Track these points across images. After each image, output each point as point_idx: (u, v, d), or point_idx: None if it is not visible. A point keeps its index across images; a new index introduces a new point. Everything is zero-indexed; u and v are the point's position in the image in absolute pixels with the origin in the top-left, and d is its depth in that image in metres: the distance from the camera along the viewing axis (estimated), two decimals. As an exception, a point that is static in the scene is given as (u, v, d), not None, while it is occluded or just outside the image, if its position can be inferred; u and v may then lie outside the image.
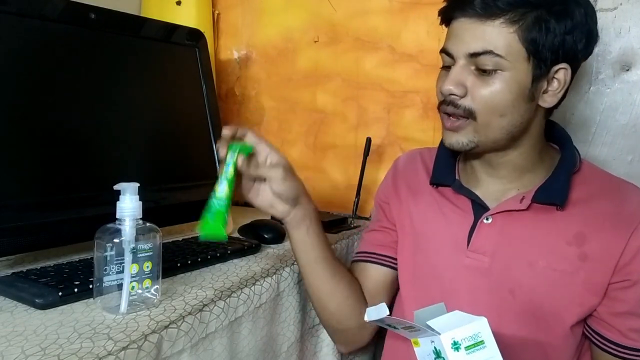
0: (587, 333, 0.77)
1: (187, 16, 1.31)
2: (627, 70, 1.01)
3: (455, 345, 0.56)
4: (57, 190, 0.81)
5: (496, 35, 0.68)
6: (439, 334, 0.57)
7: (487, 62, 0.69)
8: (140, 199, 0.65)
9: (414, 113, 1.23)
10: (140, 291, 0.65)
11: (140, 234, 0.65)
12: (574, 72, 0.74)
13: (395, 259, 0.89)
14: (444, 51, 0.74)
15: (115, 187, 0.65)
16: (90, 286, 0.67)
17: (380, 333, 0.93)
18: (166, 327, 0.62)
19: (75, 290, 0.68)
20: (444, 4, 0.75)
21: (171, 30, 1.05)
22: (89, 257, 0.79)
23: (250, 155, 0.74)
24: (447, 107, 0.72)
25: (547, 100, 0.74)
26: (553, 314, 0.73)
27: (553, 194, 0.75)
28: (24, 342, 0.56)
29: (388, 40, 1.25)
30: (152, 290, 0.67)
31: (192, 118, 1.07)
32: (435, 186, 0.85)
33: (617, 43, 1.01)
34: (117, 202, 0.64)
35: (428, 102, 1.20)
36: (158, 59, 1.02)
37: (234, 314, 0.74)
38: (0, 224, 0.74)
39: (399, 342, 0.87)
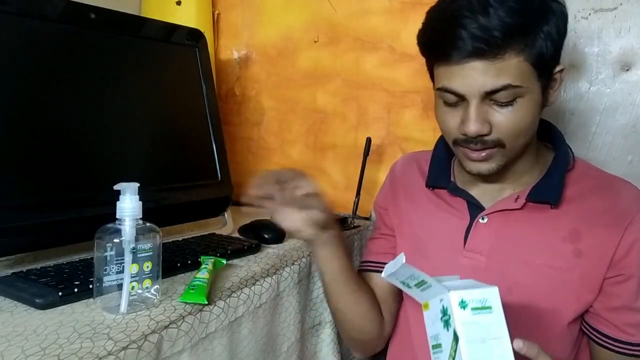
0: (584, 330, 0.78)
1: (187, 16, 1.31)
2: (627, 70, 1.01)
3: (463, 304, 0.56)
4: (57, 190, 0.81)
5: (510, 68, 0.66)
6: (449, 290, 0.57)
7: (507, 95, 0.67)
8: (140, 199, 0.65)
9: (414, 113, 1.23)
10: (140, 291, 0.65)
11: (140, 234, 0.65)
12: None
13: None
14: (447, 91, 0.70)
15: (115, 187, 0.65)
16: (90, 286, 0.67)
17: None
18: (166, 327, 0.62)
19: (75, 290, 0.68)
20: (430, 38, 0.71)
21: (171, 30, 1.05)
22: (89, 257, 0.79)
23: (282, 181, 0.77)
24: (474, 145, 0.71)
25: (551, 100, 0.74)
26: (550, 311, 0.74)
27: (547, 193, 0.75)
28: (24, 342, 0.56)
29: (388, 40, 1.25)
30: (152, 290, 0.67)
31: (192, 118, 1.07)
32: (431, 189, 0.86)
33: (617, 43, 1.01)
34: (117, 202, 0.64)
35: (428, 102, 1.20)
36: (158, 59, 1.02)
37: (234, 314, 0.74)
38: (0, 224, 0.74)
39: (404, 346, 0.88)
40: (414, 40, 0.75)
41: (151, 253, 0.66)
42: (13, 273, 0.74)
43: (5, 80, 0.77)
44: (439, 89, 0.72)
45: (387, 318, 0.90)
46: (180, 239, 0.98)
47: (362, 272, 0.95)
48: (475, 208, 0.80)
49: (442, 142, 0.88)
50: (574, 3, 1.03)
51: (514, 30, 0.64)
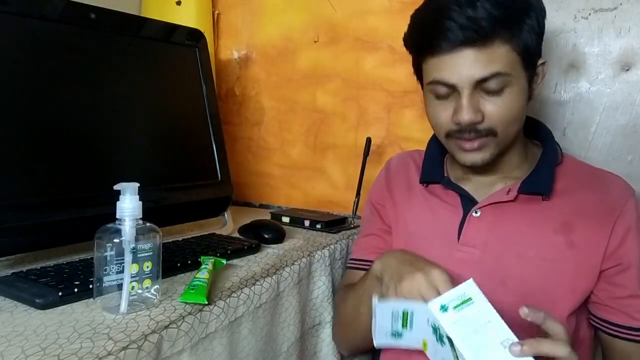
0: (593, 323, 0.78)
1: (187, 16, 1.31)
2: (627, 70, 1.01)
3: (444, 308, 0.57)
4: (57, 190, 0.81)
5: (498, 57, 0.69)
6: (427, 303, 0.58)
7: (497, 83, 0.70)
8: (140, 199, 0.65)
9: (414, 113, 1.23)
10: (140, 291, 0.65)
11: (140, 234, 0.65)
12: None
13: None
14: (438, 83, 0.72)
15: (115, 187, 0.65)
16: (90, 286, 0.67)
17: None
18: (166, 327, 0.62)
19: (75, 290, 0.68)
20: (420, 34, 0.74)
21: (171, 30, 1.05)
22: (89, 257, 0.79)
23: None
24: (467, 134, 0.73)
25: (535, 93, 0.77)
26: (546, 303, 0.74)
27: (538, 185, 0.77)
28: (24, 342, 0.56)
29: (388, 40, 1.25)
30: (152, 290, 0.67)
31: (192, 118, 1.07)
32: (425, 184, 0.87)
33: (617, 43, 1.01)
34: (117, 202, 0.64)
35: (428, 102, 1.20)
36: (158, 59, 1.02)
37: (234, 314, 0.74)
38: (0, 224, 0.74)
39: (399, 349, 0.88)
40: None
41: (151, 253, 0.66)
42: (13, 273, 0.74)
43: (5, 80, 0.77)
44: (430, 83, 0.74)
45: None
46: (180, 239, 0.98)
47: (351, 270, 0.94)
48: (468, 202, 0.81)
49: (434, 140, 0.90)
50: (574, 3, 1.03)
51: (501, 20, 0.67)
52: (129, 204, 0.64)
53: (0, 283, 0.71)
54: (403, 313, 0.64)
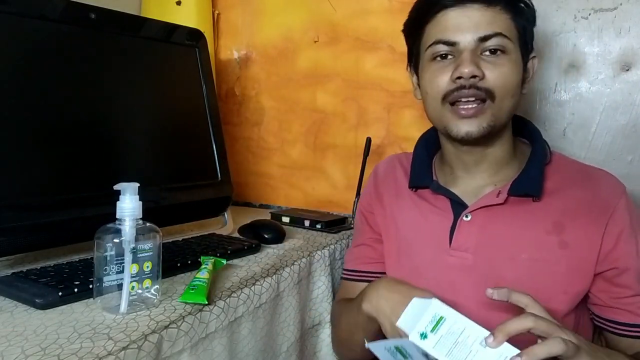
0: (599, 324, 0.78)
1: (187, 16, 1.31)
2: (627, 70, 1.01)
3: (423, 335, 0.61)
4: (57, 190, 0.81)
5: (501, 19, 0.73)
6: (408, 336, 0.62)
7: (498, 43, 0.73)
8: (140, 199, 0.65)
9: (414, 113, 1.23)
10: (140, 291, 0.65)
11: (140, 234, 0.65)
12: None
13: (385, 273, 0.89)
14: (441, 42, 0.75)
15: (115, 187, 0.65)
16: (90, 286, 0.67)
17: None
18: (166, 327, 0.62)
19: (75, 290, 0.68)
20: None
21: (171, 30, 1.05)
22: (89, 257, 0.79)
23: None
24: (467, 91, 0.72)
25: (525, 87, 0.78)
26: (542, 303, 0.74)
27: (528, 186, 0.76)
28: (24, 342, 0.56)
29: (388, 40, 1.25)
30: (152, 290, 0.67)
31: (192, 118, 1.07)
32: (414, 189, 0.87)
33: (617, 43, 1.01)
34: (117, 202, 0.64)
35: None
36: (158, 59, 1.02)
37: (234, 314, 0.74)
38: (0, 224, 0.74)
39: None
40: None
41: (151, 253, 0.66)
42: (13, 273, 0.74)
43: (5, 80, 0.78)
44: (432, 45, 0.76)
45: None
46: (180, 239, 0.98)
47: (346, 281, 0.94)
48: (458, 206, 0.80)
49: (421, 143, 0.90)
50: (574, 3, 1.03)
51: None
52: (129, 204, 0.64)
53: (0, 283, 0.71)
54: (396, 348, 0.66)
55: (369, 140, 1.20)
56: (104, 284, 0.64)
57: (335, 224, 1.16)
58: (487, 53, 0.73)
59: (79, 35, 0.88)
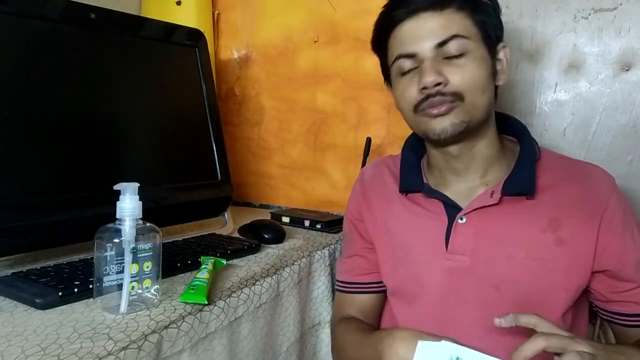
0: (605, 316, 0.78)
1: (187, 16, 1.31)
2: (627, 70, 1.01)
3: None
4: (57, 190, 0.81)
5: (455, 21, 0.73)
6: None
7: (455, 46, 0.72)
8: (140, 199, 0.65)
9: (414, 113, 1.23)
10: (140, 291, 0.65)
11: (140, 234, 0.65)
12: None
13: (381, 282, 0.88)
14: (402, 56, 0.76)
15: (115, 187, 0.65)
16: (90, 286, 0.67)
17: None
18: (166, 327, 0.62)
19: (75, 290, 0.68)
20: (384, 12, 0.78)
21: (171, 30, 1.06)
22: (89, 257, 0.79)
23: None
24: (433, 99, 0.73)
25: (501, 78, 0.78)
26: (540, 303, 0.74)
27: (521, 184, 0.76)
28: (24, 342, 0.56)
29: (388, 40, 1.25)
30: (152, 290, 0.67)
31: (192, 118, 1.07)
32: (405, 193, 0.85)
33: (617, 43, 1.01)
34: (117, 202, 0.64)
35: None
36: (158, 59, 1.02)
37: (234, 314, 0.74)
38: (0, 224, 0.74)
39: None
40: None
41: (151, 253, 0.66)
42: (13, 273, 0.74)
43: (5, 80, 0.78)
44: (394, 61, 0.77)
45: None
46: (180, 239, 0.98)
47: (340, 293, 0.92)
48: (452, 209, 0.80)
49: (409, 146, 0.89)
50: (574, 3, 1.03)
51: None
52: (129, 204, 0.64)
53: (0, 283, 0.71)
54: None
55: (369, 140, 1.20)
56: (104, 284, 0.64)
57: (335, 224, 1.16)
58: (449, 57, 0.73)
59: (79, 35, 0.88)
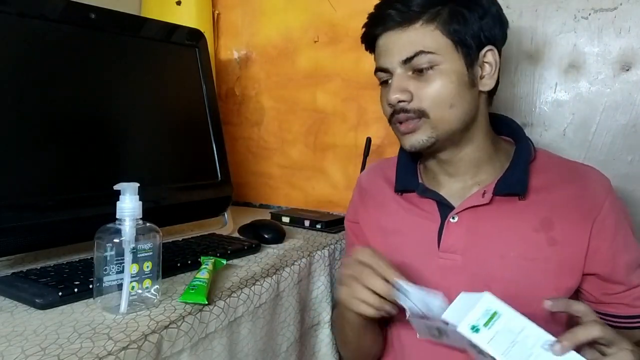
0: None
1: (187, 16, 1.31)
2: (627, 70, 1.01)
3: (475, 329, 0.58)
4: (57, 190, 0.81)
5: (421, 36, 0.73)
6: (456, 327, 0.59)
7: (422, 61, 0.73)
8: (140, 199, 0.65)
9: (414, 113, 1.23)
10: (140, 291, 0.65)
11: (140, 234, 0.65)
12: (499, 55, 0.78)
13: None
14: (378, 70, 0.78)
15: (115, 187, 0.65)
16: (90, 286, 0.67)
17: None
18: (166, 327, 0.62)
19: (75, 290, 0.68)
20: (363, 31, 0.80)
21: (171, 30, 1.06)
22: (89, 257, 0.79)
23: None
24: (398, 115, 0.76)
25: (487, 84, 0.77)
26: (531, 302, 0.73)
27: (513, 185, 0.76)
28: (24, 342, 0.56)
29: (388, 40, 1.25)
30: (152, 290, 0.67)
31: (192, 118, 1.07)
32: (400, 193, 0.86)
33: (617, 43, 1.01)
34: (117, 202, 0.64)
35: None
36: (158, 59, 1.02)
37: (234, 314, 0.74)
38: (0, 224, 0.74)
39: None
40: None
41: (151, 253, 0.66)
42: (13, 273, 0.74)
43: (5, 81, 0.78)
44: (375, 73, 0.79)
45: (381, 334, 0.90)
46: (180, 239, 0.98)
47: None
48: (445, 208, 0.80)
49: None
50: (574, 3, 1.04)
51: (422, 3, 0.72)
52: (129, 204, 0.64)
53: (0, 283, 0.71)
54: (437, 329, 0.65)
55: (369, 140, 1.20)
56: (104, 284, 0.64)
57: (335, 224, 1.16)
58: (419, 70, 0.73)
59: (79, 35, 0.88)
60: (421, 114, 0.74)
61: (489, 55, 0.76)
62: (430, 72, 0.73)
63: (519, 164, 0.78)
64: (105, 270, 0.63)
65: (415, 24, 0.73)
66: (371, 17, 0.78)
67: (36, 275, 0.72)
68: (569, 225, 0.74)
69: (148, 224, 0.66)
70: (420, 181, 0.85)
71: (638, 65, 1.00)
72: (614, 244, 0.74)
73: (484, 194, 0.77)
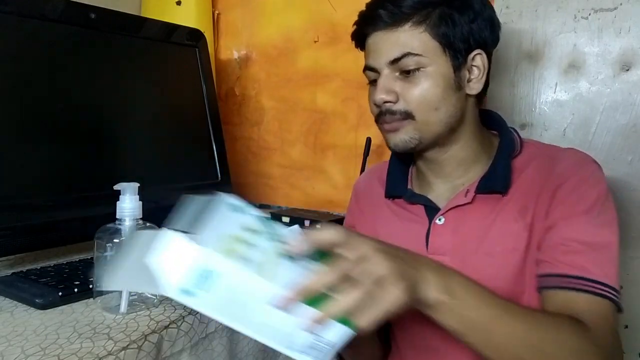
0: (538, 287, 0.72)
1: (187, 16, 1.31)
2: (627, 70, 1.01)
3: (187, 292, 0.44)
4: (57, 191, 0.81)
5: (409, 38, 0.73)
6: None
7: (409, 63, 0.73)
8: (140, 199, 0.65)
9: (414, 113, 1.24)
10: (140, 291, 0.65)
11: (140, 234, 0.65)
12: (489, 58, 0.78)
13: None
14: (366, 69, 0.78)
15: (115, 187, 0.65)
16: (90, 286, 0.67)
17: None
18: (166, 327, 0.62)
19: (75, 290, 0.68)
20: (353, 29, 0.80)
21: (171, 30, 1.06)
22: (89, 257, 0.79)
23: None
24: (384, 116, 0.76)
25: (474, 87, 0.77)
26: (519, 295, 0.73)
27: (494, 183, 0.76)
28: (24, 342, 0.56)
29: (388, 40, 1.25)
30: (152, 290, 0.67)
31: (192, 118, 1.07)
32: (391, 198, 0.87)
33: (617, 43, 1.01)
34: (117, 202, 0.64)
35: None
36: (158, 59, 1.02)
37: (234, 314, 0.74)
38: (0, 224, 0.74)
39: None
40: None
41: (151, 253, 0.65)
42: (13, 273, 0.74)
43: (4, 81, 0.78)
44: (364, 71, 0.80)
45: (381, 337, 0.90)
46: (180, 239, 0.97)
47: None
48: (432, 211, 0.80)
49: (396, 153, 0.89)
50: (574, 3, 1.03)
51: (412, 5, 0.72)
52: (129, 204, 0.64)
53: (0, 283, 0.71)
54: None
55: (369, 140, 1.20)
56: (104, 284, 0.64)
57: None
58: (406, 71, 0.73)
59: (79, 35, 0.88)
60: (407, 116, 0.74)
61: (478, 59, 0.76)
62: (417, 74, 0.73)
63: (501, 160, 0.77)
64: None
65: (404, 26, 0.73)
66: (362, 15, 0.79)
67: (36, 275, 0.72)
68: (538, 206, 0.72)
69: (148, 224, 0.66)
70: (409, 186, 0.85)
71: (638, 65, 1.00)
72: (573, 218, 0.69)
73: (466, 193, 0.77)
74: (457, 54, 0.74)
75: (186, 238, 0.46)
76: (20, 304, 0.67)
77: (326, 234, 0.56)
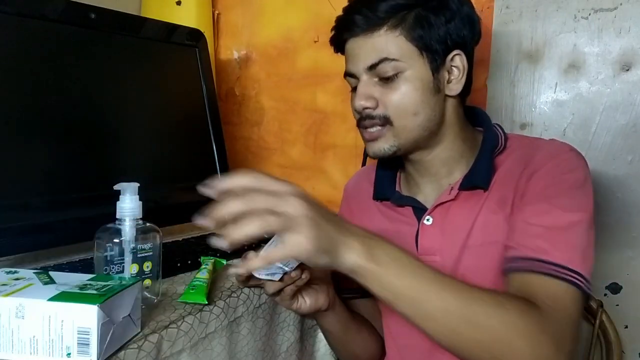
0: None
1: (187, 16, 1.31)
2: (627, 70, 1.01)
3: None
4: (57, 190, 0.82)
5: (385, 43, 0.72)
6: None
7: (386, 68, 0.72)
8: (140, 199, 0.65)
9: (414, 113, 1.23)
10: (140, 291, 0.65)
11: (140, 234, 0.65)
12: (470, 58, 0.77)
13: None
14: (346, 75, 0.78)
15: (115, 187, 0.65)
16: (90, 286, 0.67)
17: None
18: (166, 327, 0.62)
19: (75, 290, 0.68)
20: (332, 34, 0.79)
21: (171, 30, 1.06)
22: (89, 257, 0.79)
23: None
24: (364, 122, 0.76)
25: (453, 88, 0.76)
26: (502, 285, 0.72)
27: (476, 178, 0.76)
28: (24, 342, 0.56)
29: (388, 40, 1.25)
30: (152, 290, 0.67)
31: (192, 118, 1.07)
32: (379, 201, 0.87)
33: (617, 43, 1.01)
34: (117, 202, 0.64)
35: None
36: (158, 59, 1.02)
37: (234, 314, 0.74)
38: (1, 224, 0.74)
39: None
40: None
41: (151, 253, 0.66)
42: (13, 273, 0.74)
43: (4, 81, 0.78)
44: (345, 79, 0.80)
45: (380, 334, 0.90)
46: (180, 239, 0.98)
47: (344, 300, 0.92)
48: (420, 211, 0.80)
49: None
50: (574, 3, 1.04)
51: (386, 10, 0.72)
52: (129, 204, 0.64)
53: (0, 283, 0.71)
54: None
55: (369, 140, 1.20)
56: (103, 284, 0.64)
57: (335, 224, 1.16)
58: (384, 77, 0.73)
59: (79, 35, 0.88)
60: (385, 121, 0.74)
61: (457, 59, 0.75)
62: (396, 79, 0.73)
63: (484, 156, 0.78)
64: (105, 270, 0.63)
65: (379, 30, 0.72)
66: (338, 21, 0.78)
67: (36, 275, 0.72)
68: (517, 195, 0.72)
69: (148, 224, 0.66)
70: (397, 189, 0.85)
71: (638, 65, 1.00)
72: (541, 202, 0.68)
73: (450, 190, 0.77)
74: (435, 56, 0.73)
75: None
76: (20, 304, 0.67)
77: (240, 179, 0.56)
